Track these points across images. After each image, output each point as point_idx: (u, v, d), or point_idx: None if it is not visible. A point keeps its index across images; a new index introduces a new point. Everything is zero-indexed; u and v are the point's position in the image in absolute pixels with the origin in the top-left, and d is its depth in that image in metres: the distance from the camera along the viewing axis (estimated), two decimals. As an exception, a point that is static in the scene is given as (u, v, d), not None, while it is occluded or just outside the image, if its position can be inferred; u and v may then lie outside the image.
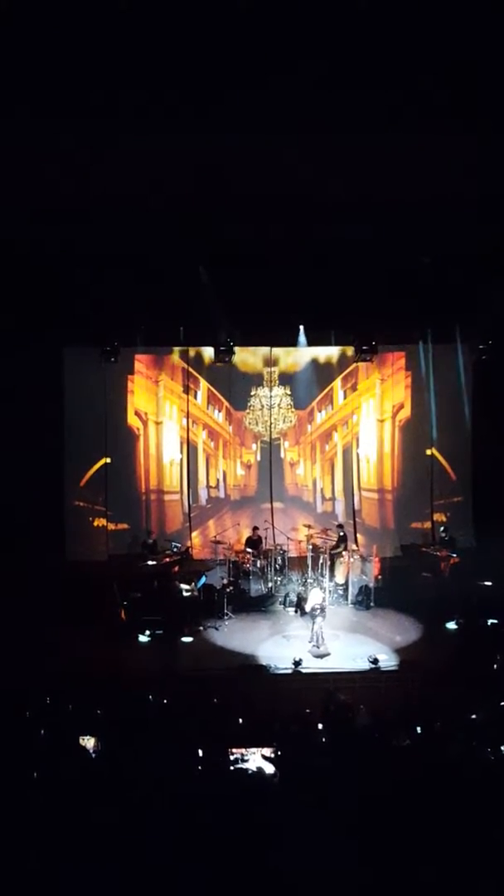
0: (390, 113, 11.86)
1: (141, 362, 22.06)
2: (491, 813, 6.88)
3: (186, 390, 22.46)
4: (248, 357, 22.49)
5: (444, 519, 22.24)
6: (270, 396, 22.75)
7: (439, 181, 14.29)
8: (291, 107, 11.75)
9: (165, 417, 22.50)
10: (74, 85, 11.08)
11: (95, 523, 21.75)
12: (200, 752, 9.27)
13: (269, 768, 8.90)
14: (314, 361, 22.73)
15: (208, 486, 22.98)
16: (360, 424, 23.00)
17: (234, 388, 22.61)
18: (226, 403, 22.82)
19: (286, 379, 22.75)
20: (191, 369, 22.39)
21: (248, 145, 13.22)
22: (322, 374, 22.81)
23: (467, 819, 6.71)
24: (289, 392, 22.78)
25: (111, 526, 21.72)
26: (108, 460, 21.64)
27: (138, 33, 10.31)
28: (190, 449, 22.60)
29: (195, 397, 22.64)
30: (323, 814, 6.67)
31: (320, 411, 23.09)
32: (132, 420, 22.16)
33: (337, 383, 22.89)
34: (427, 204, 15.13)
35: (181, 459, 22.65)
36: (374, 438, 23.04)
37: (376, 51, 10.41)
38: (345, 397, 22.99)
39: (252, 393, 22.76)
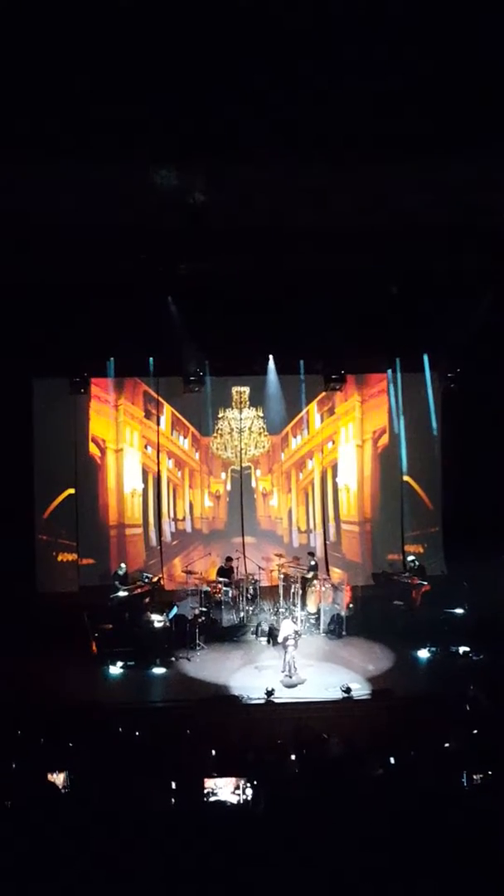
0: (357, 144, 11.96)
1: (98, 386, 21.39)
2: (467, 841, 6.86)
3: (148, 415, 21.94)
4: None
5: (420, 550, 21.93)
6: (240, 419, 22.06)
7: (407, 212, 14.45)
8: (259, 137, 11.82)
9: (126, 444, 21.84)
10: (43, 116, 11.11)
11: (59, 557, 21.27)
12: (174, 785, 9.23)
13: (234, 800, 8.89)
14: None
15: (175, 519, 22.32)
16: (337, 451, 22.52)
17: (202, 410, 21.94)
18: (191, 429, 22.15)
19: (257, 400, 22.09)
20: (154, 393, 21.82)
21: (217, 176, 13.34)
22: (296, 392, 22.14)
23: (444, 848, 6.67)
24: (261, 414, 22.10)
25: (80, 560, 21.33)
26: (72, 492, 21.31)
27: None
28: (153, 479, 22.04)
29: (158, 422, 21.97)
30: (302, 845, 6.63)
31: (295, 436, 22.49)
32: (92, 448, 21.64)
33: (313, 406, 22.32)
34: (395, 234, 15.34)
35: (143, 490, 22.08)
36: (354, 466, 22.56)
37: (347, 81, 10.49)
38: (322, 421, 22.45)
39: (220, 415, 22.05)
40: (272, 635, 17.64)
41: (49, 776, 9.48)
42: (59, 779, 9.55)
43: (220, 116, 11.19)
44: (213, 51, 9.97)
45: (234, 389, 22.13)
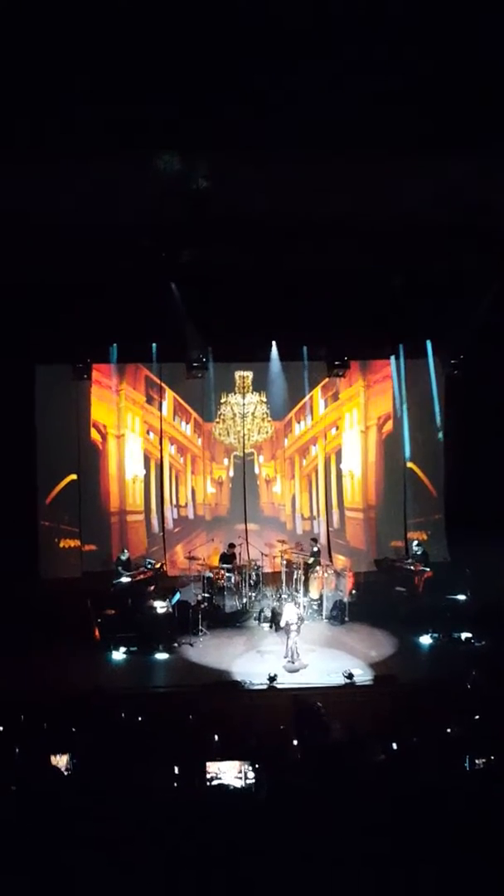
0: (362, 138, 12.02)
1: (100, 372, 21.21)
2: (468, 826, 6.96)
3: (150, 400, 21.81)
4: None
5: (424, 537, 21.86)
6: (243, 404, 21.94)
7: (410, 206, 14.50)
8: (263, 131, 11.88)
9: (127, 430, 21.68)
10: (43, 116, 11.20)
11: (62, 544, 21.25)
12: (177, 770, 9.38)
13: (239, 784, 9.06)
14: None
15: (177, 506, 22.21)
16: (341, 437, 22.44)
17: (205, 396, 21.85)
18: (194, 414, 22.05)
19: (261, 385, 21.94)
20: (157, 378, 21.69)
21: (217, 176, 13.44)
22: (299, 378, 22.03)
23: (446, 833, 6.78)
24: (264, 399, 21.98)
25: (83, 546, 21.32)
26: (74, 478, 21.25)
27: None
28: (155, 465, 21.92)
29: (160, 408, 21.80)
30: (303, 829, 6.75)
31: (299, 422, 22.36)
32: (93, 434, 21.50)
33: (317, 392, 22.20)
34: (398, 226, 15.39)
35: (145, 476, 21.94)
36: (358, 452, 22.49)
37: (347, 81, 10.57)
38: (325, 407, 22.32)
39: (223, 400, 21.96)
40: (275, 621, 17.79)
41: (52, 758, 9.63)
42: (61, 761, 9.70)
43: (220, 116, 11.27)
44: (213, 50, 10.02)
45: (237, 374, 21.99)
